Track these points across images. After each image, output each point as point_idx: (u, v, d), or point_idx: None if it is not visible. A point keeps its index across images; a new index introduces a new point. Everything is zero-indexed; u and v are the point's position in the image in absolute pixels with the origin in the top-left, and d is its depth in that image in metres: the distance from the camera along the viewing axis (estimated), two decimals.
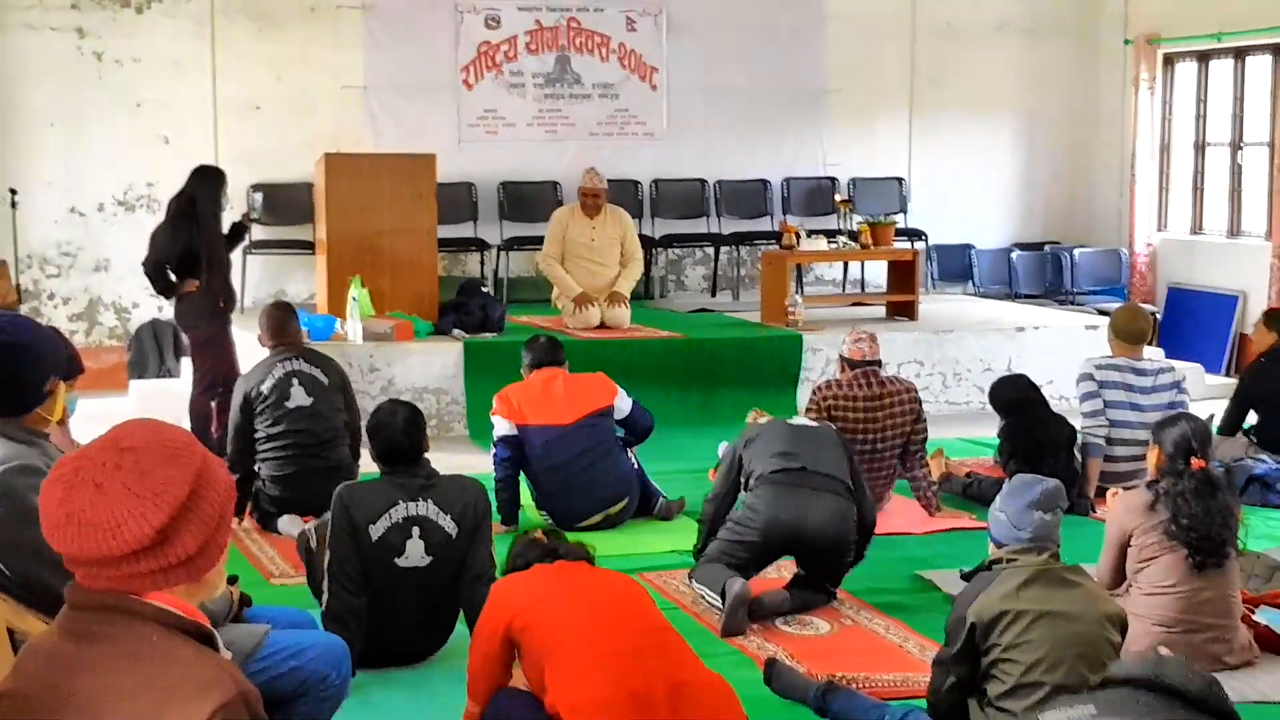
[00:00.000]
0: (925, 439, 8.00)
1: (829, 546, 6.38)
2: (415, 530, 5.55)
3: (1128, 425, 7.91)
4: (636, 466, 8.08)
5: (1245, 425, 9.09)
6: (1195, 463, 5.74)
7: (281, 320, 8.00)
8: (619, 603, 4.54)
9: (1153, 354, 9.82)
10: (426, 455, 5.83)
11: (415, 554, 5.55)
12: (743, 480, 6.65)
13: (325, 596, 5.52)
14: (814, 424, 6.95)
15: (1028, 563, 4.31)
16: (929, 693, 4.48)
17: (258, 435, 7.72)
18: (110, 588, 2.35)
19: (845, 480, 6.48)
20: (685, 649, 4.54)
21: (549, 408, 7.86)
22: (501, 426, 7.85)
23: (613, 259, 11.15)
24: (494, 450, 7.88)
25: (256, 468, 7.78)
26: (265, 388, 7.70)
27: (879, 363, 7.98)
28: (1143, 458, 7.90)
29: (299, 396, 7.71)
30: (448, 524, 5.57)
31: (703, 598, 6.38)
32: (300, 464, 7.64)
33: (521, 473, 7.90)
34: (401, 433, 5.72)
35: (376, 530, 5.53)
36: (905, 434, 7.87)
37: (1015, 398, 8.49)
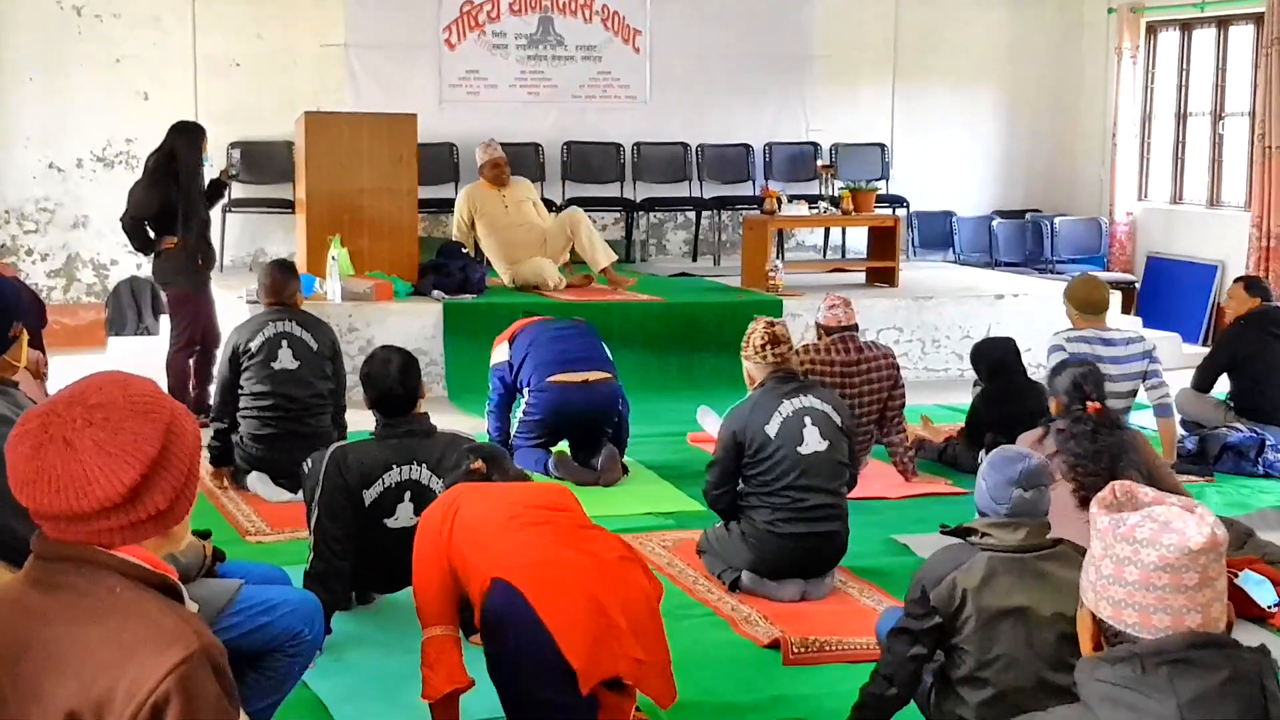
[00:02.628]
0: (903, 405, 8.01)
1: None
2: (407, 494, 5.55)
3: None
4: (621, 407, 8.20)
5: (1222, 394, 9.13)
6: (1091, 406, 5.88)
7: (283, 282, 7.85)
8: (542, 496, 4.76)
9: (1129, 323, 9.87)
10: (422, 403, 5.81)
11: (405, 515, 5.53)
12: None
13: (310, 557, 5.49)
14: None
15: (1000, 541, 4.29)
16: (886, 656, 4.40)
17: (241, 390, 7.68)
18: (78, 541, 2.35)
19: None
20: (617, 540, 4.64)
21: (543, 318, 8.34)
22: (497, 354, 8.16)
23: (529, 216, 11.31)
24: (491, 380, 8.25)
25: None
26: (254, 345, 7.62)
27: (855, 327, 7.97)
28: None
29: (286, 359, 7.62)
30: (438, 487, 5.54)
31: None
32: (280, 427, 7.60)
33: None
34: (396, 380, 5.67)
35: (370, 494, 5.51)
36: (883, 399, 7.87)
37: (1000, 359, 8.47)
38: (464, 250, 11.43)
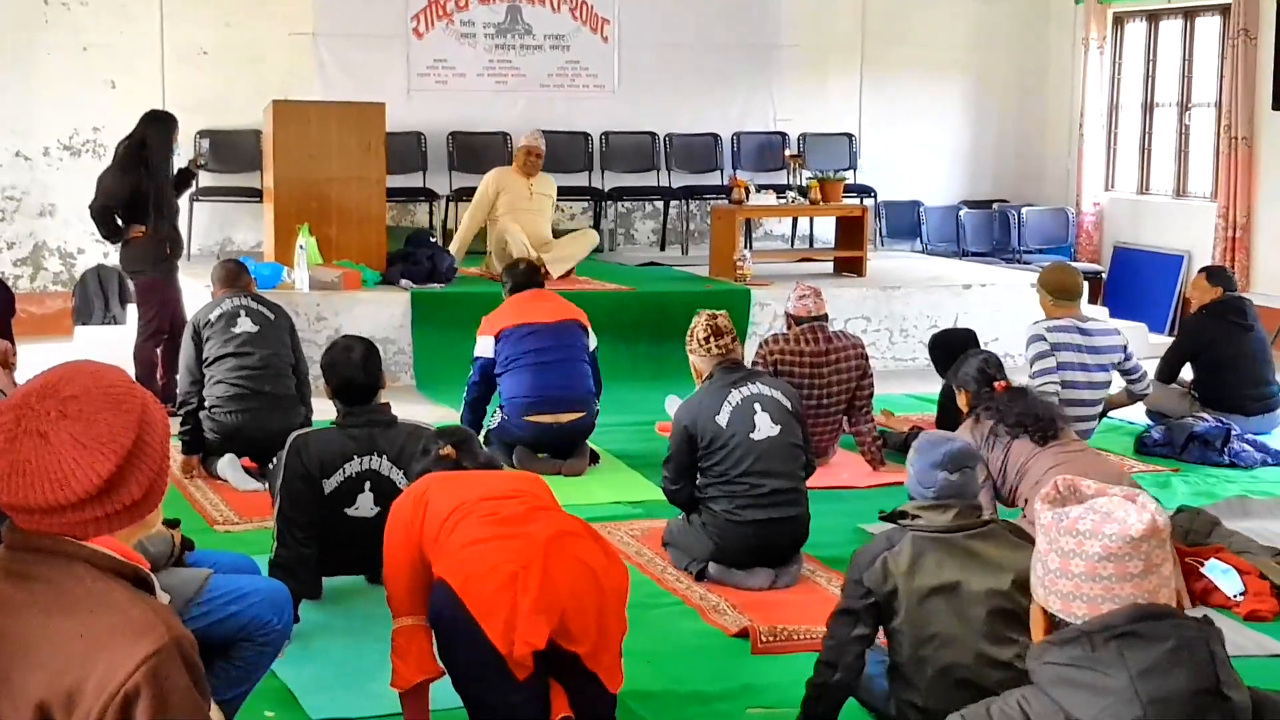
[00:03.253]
0: (871, 394, 8.04)
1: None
2: (367, 484, 5.58)
3: (1074, 386, 7.94)
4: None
5: (1186, 382, 9.18)
6: (999, 385, 6.32)
7: (235, 273, 8.10)
8: (505, 484, 4.68)
9: (1096, 314, 9.90)
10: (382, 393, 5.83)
11: (365, 505, 5.57)
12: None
13: (275, 545, 5.50)
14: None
15: (930, 522, 4.33)
16: (828, 642, 4.41)
17: (206, 361, 7.71)
18: (51, 533, 2.34)
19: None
20: (568, 519, 4.57)
21: (532, 309, 8.13)
22: (481, 345, 8.06)
23: (547, 213, 11.36)
24: (472, 371, 8.13)
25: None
26: (213, 316, 7.75)
27: (825, 317, 7.98)
28: (1091, 418, 8.00)
29: (245, 324, 7.73)
30: (398, 478, 5.57)
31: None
32: (246, 388, 7.63)
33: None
34: (359, 367, 5.72)
35: (330, 484, 5.54)
36: (851, 389, 7.90)
37: (960, 351, 8.44)
38: (433, 239, 11.42)
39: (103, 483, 2.31)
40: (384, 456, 5.59)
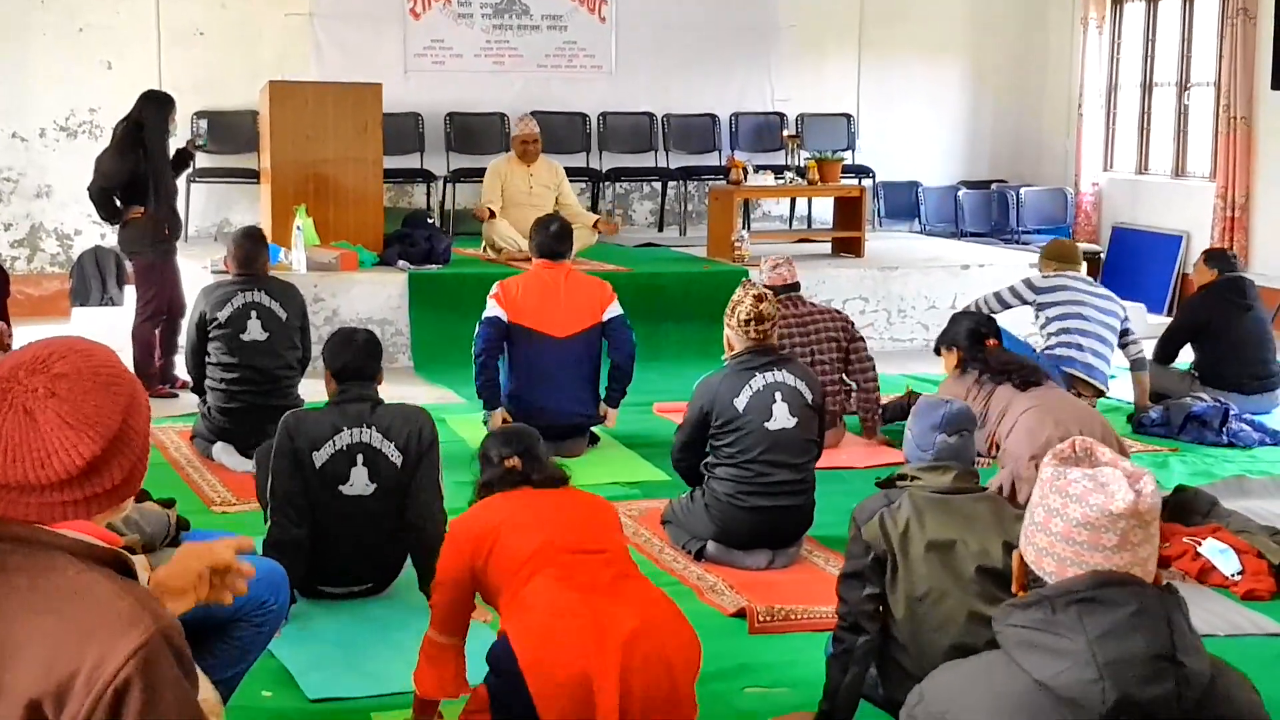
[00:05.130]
0: (867, 354, 8.18)
1: None
2: (359, 457, 5.55)
3: (1086, 319, 8.36)
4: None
5: (1185, 364, 9.18)
6: (990, 343, 6.75)
7: (253, 252, 7.78)
8: (583, 528, 4.38)
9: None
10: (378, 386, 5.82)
11: (360, 482, 5.55)
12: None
13: (268, 525, 5.50)
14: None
15: (929, 483, 4.34)
16: (842, 609, 4.39)
17: (209, 360, 7.64)
18: (24, 516, 2.30)
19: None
20: (647, 588, 4.34)
21: (546, 313, 7.86)
22: (493, 308, 7.84)
23: (548, 207, 11.14)
24: (478, 329, 7.85)
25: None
26: (222, 316, 7.58)
27: (797, 286, 8.19)
28: (1107, 352, 8.66)
29: (255, 330, 7.58)
30: (392, 452, 5.56)
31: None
32: (246, 400, 7.56)
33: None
34: (361, 350, 5.75)
35: (320, 457, 5.52)
36: (844, 346, 8.07)
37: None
38: (430, 220, 11.40)
39: (84, 465, 2.28)
40: (373, 429, 5.57)
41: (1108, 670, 2.44)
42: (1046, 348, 8.64)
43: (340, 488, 5.54)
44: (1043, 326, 8.84)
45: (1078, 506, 2.56)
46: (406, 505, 5.58)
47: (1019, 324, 9.31)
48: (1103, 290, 8.81)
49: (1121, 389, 9.00)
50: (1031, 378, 6.50)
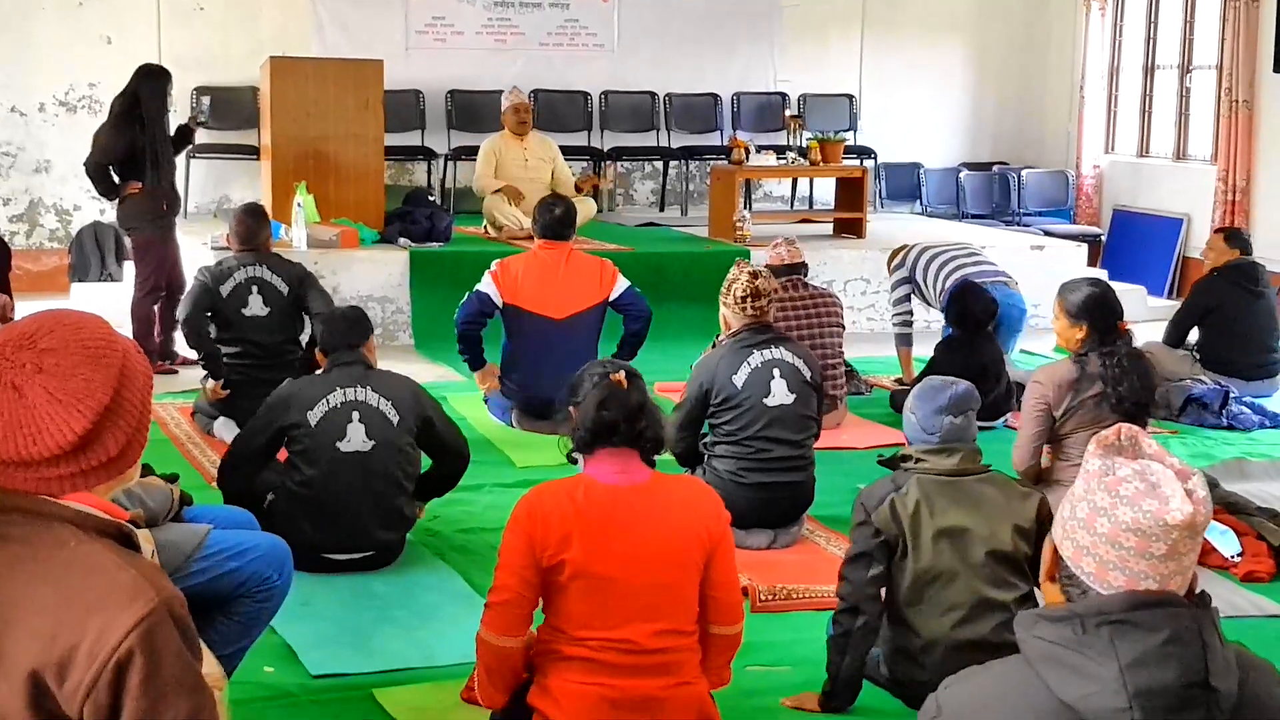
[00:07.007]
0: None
1: None
2: (355, 414, 5.63)
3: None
4: None
5: (1188, 344, 9.16)
6: (1121, 325, 5.79)
7: (254, 229, 7.74)
8: (663, 587, 4.03)
9: (1097, 276, 9.89)
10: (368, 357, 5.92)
11: (356, 438, 5.62)
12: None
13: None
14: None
15: (935, 465, 4.33)
16: (844, 588, 4.37)
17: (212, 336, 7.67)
18: (23, 489, 2.29)
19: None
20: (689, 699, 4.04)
21: (545, 295, 7.84)
22: (486, 284, 7.84)
23: (545, 180, 11.14)
24: (466, 298, 7.87)
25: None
26: (224, 289, 7.57)
27: (804, 268, 8.16)
28: None
29: (256, 305, 7.59)
30: (389, 410, 5.66)
31: None
32: (247, 374, 7.55)
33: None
34: (343, 321, 5.92)
35: (314, 415, 5.62)
36: (844, 328, 8.14)
37: (967, 309, 8.38)
38: (431, 198, 11.37)
39: (77, 439, 2.26)
40: (369, 388, 5.68)
41: (1138, 701, 2.33)
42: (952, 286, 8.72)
43: (338, 444, 5.61)
44: (935, 280, 9.02)
45: (1129, 510, 2.40)
46: (444, 444, 5.89)
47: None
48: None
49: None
50: (1139, 422, 5.53)
